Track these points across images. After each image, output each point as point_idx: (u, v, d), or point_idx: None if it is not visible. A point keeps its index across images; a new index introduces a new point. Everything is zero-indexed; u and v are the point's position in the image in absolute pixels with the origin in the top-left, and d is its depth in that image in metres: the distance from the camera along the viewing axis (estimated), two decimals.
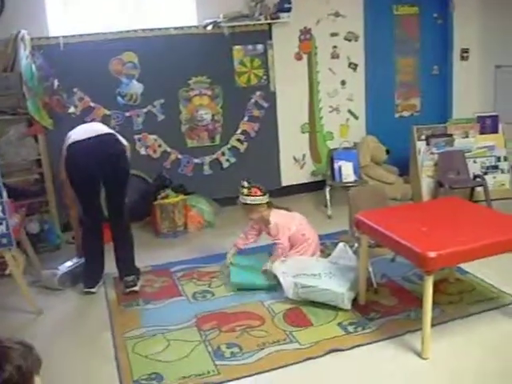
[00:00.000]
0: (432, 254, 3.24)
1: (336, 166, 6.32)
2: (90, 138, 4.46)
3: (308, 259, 4.59)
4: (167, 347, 3.80)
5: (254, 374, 3.43)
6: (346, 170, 6.26)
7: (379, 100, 7.24)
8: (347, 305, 4.07)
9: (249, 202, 4.64)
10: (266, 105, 6.65)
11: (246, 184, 4.67)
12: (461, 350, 3.54)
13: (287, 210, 4.88)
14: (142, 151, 6.31)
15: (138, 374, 3.51)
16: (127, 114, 6.18)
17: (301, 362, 3.52)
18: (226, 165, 6.66)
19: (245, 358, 3.60)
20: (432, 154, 6.42)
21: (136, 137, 6.25)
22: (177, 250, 5.56)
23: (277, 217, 4.72)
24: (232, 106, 6.52)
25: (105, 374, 3.55)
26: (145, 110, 6.23)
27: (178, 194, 5.97)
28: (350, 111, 7.15)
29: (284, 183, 7.03)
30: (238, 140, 6.65)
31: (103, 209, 4.74)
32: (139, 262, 4.93)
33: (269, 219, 4.69)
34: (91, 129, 4.64)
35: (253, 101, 6.59)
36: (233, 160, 6.67)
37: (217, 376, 3.42)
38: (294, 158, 7.03)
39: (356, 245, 4.51)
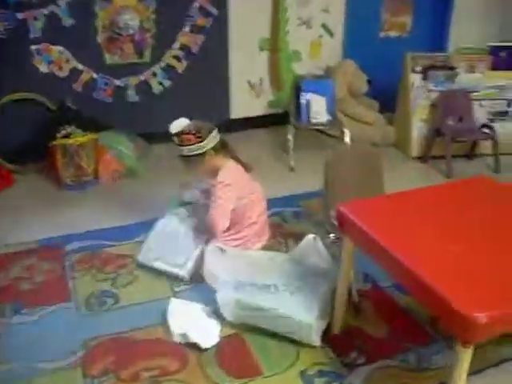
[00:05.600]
0: (482, 318, 1.82)
1: (303, 100, 4.76)
2: None
3: (258, 255, 3.15)
4: None
5: None
6: (317, 107, 4.72)
7: (361, 13, 5.65)
8: (316, 340, 2.69)
9: (185, 153, 3.13)
10: (214, 11, 4.99)
11: (173, 129, 3.11)
12: None
13: (247, 167, 3.34)
14: (43, 68, 4.63)
15: None
16: (20, 15, 4.43)
17: None
18: (157, 89, 5.04)
19: None
20: (429, 91, 4.92)
21: (33, 48, 4.56)
22: (80, 212, 4.04)
23: (230, 173, 3.18)
24: (168, 10, 4.84)
25: None
26: (45, 10, 4.49)
27: (86, 131, 4.34)
28: (324, 26, 5.53)
29: (233, 115, 5.46)
30: (175, 57, 5.00)
31: None
32: (24, 232, 3.66)
33: (218, 170, 3.17)
34: None
35: (197, 5, 4.90)
36: (167, 83, 5.05)
37: None
38: (249, 84, 5.45)
39: (332, 235, 3.09)
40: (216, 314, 2.86)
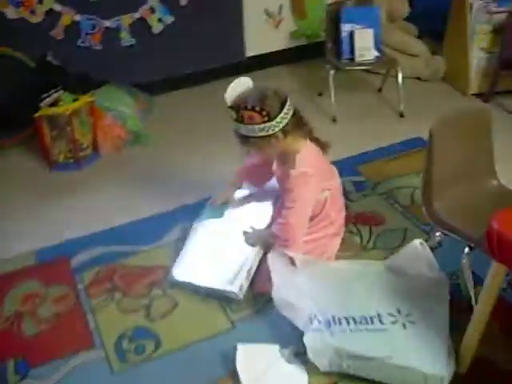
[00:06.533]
0: None
1: (344, 32, 3.80)
2: None
3: (344, 268, 2.36)
4: None
5: None
6: (363, 42, 3.77)
7: None
8: None
9: (244, 133, 2.24)
10: None
11: (229, 99, 2.22)
12: None
13: (325, 147, 2.47)
14: (11, 13, 3.56)
15: None
16: None
17: None
18: (157, 28, 4.02)
19: None
20: (491, 13, 4.01)
21: None
22: (81, 202, 3.15)
23: (309, 161, 2.31)
24: None
25: None
26: None
27: (76, 92, 3.38)
28: None
29: (249, 52, 4.50)
30: None
31: None
32: (13, 239, 2.82)
33: (290, 155, 2.31)
34: None
35: None
36: (169, 20, 4.03)
37: None
38: (266, 13, 4.44)
39: (437, 235, 2.31)
40: (300, 357, 2.09)
